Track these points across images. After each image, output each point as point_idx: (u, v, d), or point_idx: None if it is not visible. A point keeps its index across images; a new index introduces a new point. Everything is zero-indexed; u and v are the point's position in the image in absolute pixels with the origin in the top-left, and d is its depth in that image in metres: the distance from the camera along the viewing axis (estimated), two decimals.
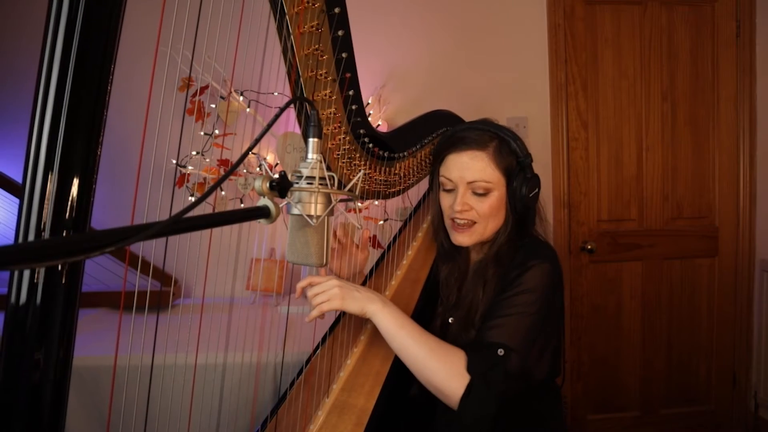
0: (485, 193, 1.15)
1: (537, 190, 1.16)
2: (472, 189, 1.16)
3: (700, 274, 2.54)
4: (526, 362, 1.04)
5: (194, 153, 2.14)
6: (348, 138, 1.18)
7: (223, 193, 2.21)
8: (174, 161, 2.09)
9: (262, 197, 0.69)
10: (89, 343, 1.62)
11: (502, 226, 1.19)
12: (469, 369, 0.98)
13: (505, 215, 1.18)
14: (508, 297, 1.07)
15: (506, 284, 1.10)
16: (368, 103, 2.26)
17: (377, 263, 1.48)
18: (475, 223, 1.17)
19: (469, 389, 0.96)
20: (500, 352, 1.00)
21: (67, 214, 0.54)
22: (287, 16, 0.95)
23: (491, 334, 1.03)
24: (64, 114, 0.53)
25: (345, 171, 1.22)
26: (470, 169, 1.15)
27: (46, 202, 0.53)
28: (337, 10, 1.00)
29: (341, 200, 1.69)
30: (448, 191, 1.20)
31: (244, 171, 2.20)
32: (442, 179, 1.21)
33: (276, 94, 2.11)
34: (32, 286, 0.54)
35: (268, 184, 0.69)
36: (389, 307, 1.06)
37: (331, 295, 1.05)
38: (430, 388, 1.02)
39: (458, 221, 1.17)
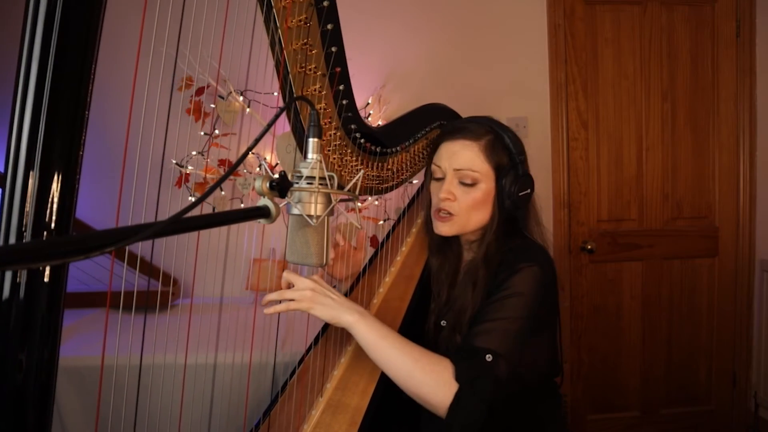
0: (472, 184, 1.14)
1: (529, 190, 1.14)
2: (459, 178, 1.14)
3: (700, 274, 2.54)
4: (513, 368, 1.01)
5: (194, 153, 2.14)
6: (339, 134, 1.16)
7: (223, 193, 2.21)
8: (174, 161, 2.09)
9: (262, 197, 0.69)
10: (89, 343, 1.62)
11: (488, 222, 1.17)
12: (457, 377, 0.95)
13: (492, 211, 1.16)
14: (497, 301, 1.04)
15: (495, 287, 1.07)
16: (368, 103, 2.26)
17: (371, 260, 1.47)
18: (454, 215, 1.16)
19: (458, 398, 0.94)
20: (488, 358, 0.97)
21: (48, 211, 0.53)
22: (274, 10, 0.93)
23: (479, 340, 1.00)
24: (44, 111, 0.52)
25: (337, 167, 1.20)
26: (459, 157, 1.14)
27: (27, 200, 0.52)
28: (325, 3, 0.98)
29: (341, 200, 1.68)
30: (438, 180, 1.19)
31: (244, 171, 2.20)
32: (433, 167, 1.20)
33: (275, 94, 2.11)
34: (14, 285, 0.53)
35: (268, 184, 0.69)
36: (368, 318, 1.01)
37: (301, 296, 1.01)
38: (416, 398, 0.98)
39: (441, 213, 1.17)
